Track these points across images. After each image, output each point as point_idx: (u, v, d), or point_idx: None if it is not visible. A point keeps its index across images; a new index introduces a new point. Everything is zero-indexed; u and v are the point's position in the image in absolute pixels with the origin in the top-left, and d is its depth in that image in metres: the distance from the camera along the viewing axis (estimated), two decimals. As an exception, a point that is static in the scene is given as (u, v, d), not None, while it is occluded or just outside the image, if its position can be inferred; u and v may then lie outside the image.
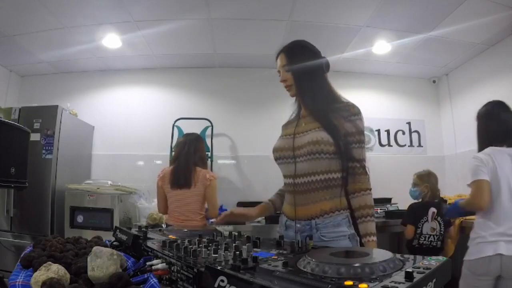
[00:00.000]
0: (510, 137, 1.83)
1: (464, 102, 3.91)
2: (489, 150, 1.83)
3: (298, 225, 1.35)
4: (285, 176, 1.44)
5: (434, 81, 4.36)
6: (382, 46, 3.57)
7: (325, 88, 1.40)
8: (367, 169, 1.34)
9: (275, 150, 1.46)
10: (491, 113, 1.95)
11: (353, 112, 1.34)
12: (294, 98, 1.49)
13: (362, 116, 1.35)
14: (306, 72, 1.39)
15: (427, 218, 2.62)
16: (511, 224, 1.69)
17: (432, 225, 2.60)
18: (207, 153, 3.67)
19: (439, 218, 2.61)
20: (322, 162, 1.30)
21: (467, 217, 2.81)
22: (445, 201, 2.79)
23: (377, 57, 3.82)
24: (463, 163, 3.88)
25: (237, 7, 2.95)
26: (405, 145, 4.26)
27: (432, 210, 2.62)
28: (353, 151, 1.32)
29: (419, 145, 4.27)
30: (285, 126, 1.53)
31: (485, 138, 1.91)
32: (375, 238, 1.26)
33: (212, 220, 2.59)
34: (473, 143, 3.68)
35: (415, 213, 2.67)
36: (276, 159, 1.46)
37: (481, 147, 1.91)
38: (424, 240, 2.60)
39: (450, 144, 4.14)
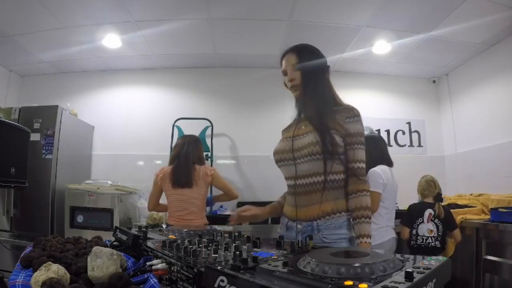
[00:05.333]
0: (388, 160, 2.58)
1: (464, 102, 3.91)
2: (382, 167, 2.48)
3: (300, 226, 1.35)
4: (286, 178, 1.45)
5: (434, 81, 4.35)
6: (382, 46, 3.57)
7: (328, 91, 1.42)
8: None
9: (275, 153, 1.47)
10: (378, 140, 2.68)
11: (353, 113, 1.35)
12: (295, 100, 1.49)
13: (361, 118, 1.37)
14: (313, 74, 1.41)
15: (423, 219, 2.62)
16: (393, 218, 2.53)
17: (428, 227, 2.60)
18: (207, 153, 3.68)
19: (436, 220, 2.61)
20: (321, 163, 1.31)
21: (468, 218, 2.82)
22: (441, 200, 2.79)
23: (377, 57, 3.82)
24: (463, 163, 3.89)
25: (237, 7, 2.94)
26: (405, 145, 4.25)
27: (429, 211, 2.62)
28: (351, 153, 1.33)
29: (419, 145, 4.27)
30: (285, 130, 1.54)
31: (377, 158, 2.51)
32: (369, 240, 1.26)
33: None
34: (473, 143, 3.72)
35: (411, 215, 2.68)
36: (276, 161, 1.47)
37: (373, 164, 2.46)
38: (422, 241, 2.60)
39: (450, 144, 4.14)
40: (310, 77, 1.40)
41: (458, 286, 2.74)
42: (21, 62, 3.86)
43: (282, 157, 1.43)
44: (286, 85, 1.48)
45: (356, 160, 1.33)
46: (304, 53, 1.43)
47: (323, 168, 1.32)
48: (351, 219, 1.31)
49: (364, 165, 1.34)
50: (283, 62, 1.46)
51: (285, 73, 1.45)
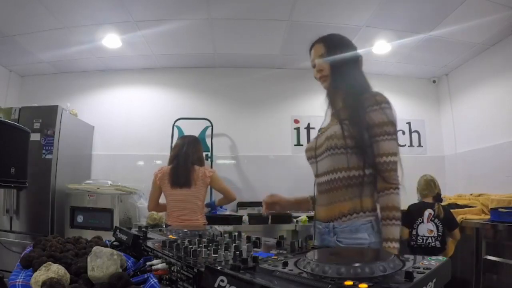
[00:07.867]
0: None
1: (464, 102, 3.91)
2: None
3: (320, 227, 1.30)
4: (315, 177, 1.41)
5: (434, 81, 4.35)
6: (382, 46, 3.57)
7: (358, 82, 1.32)
8: (398, 164, 1.19)
9: (305, 151, 1.44)
10: None
11: (375, 101, 1.22)
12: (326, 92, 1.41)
13: (389, 105, 1.22)
14: (342, 63, 1.32)
15: (423, 219, 2.62)
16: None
17: (428, 227, 2.60)
18: (207, 153, 3.68)
19: (436, 220, 2.60)
20: (339, 158, 1.23)
21: (468, 218, 2.82)
22: (441, 200, 2.79)
23: (377, 57, 3.81)
24: (463, 163, 3.89)
25: (237, 7, 2.94)
26: (405, 145, 4.25)
27: (429, 211, 2.62)
28: (375, 146, 1.20)
29: (419, 145, 4.27)
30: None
31: None
32: (396, 245, 1.12)
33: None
34: (473, 143, 3.72)
35: (410, 215, 2.68)
36: (307, 159, 1.43)
37: None
38: (422, 241, 2.60)
39: (450, 144, 4.14)
40: (339, 67, 1.32)
41: (458, 286, 2.74)
42: (21, 62, 3.86)
43: (309, 155, 1.40)
44: (315, 77, 1.40)
45: (381, 154, 1.18)
46: (332, 42, 1.36)
47: (339, 165, 1.23)
48: (380, 220, 1.18)
49: (391, 159, 1.17)
50: (311, 53, 1.39)
51: (313, 64, 1.37)
